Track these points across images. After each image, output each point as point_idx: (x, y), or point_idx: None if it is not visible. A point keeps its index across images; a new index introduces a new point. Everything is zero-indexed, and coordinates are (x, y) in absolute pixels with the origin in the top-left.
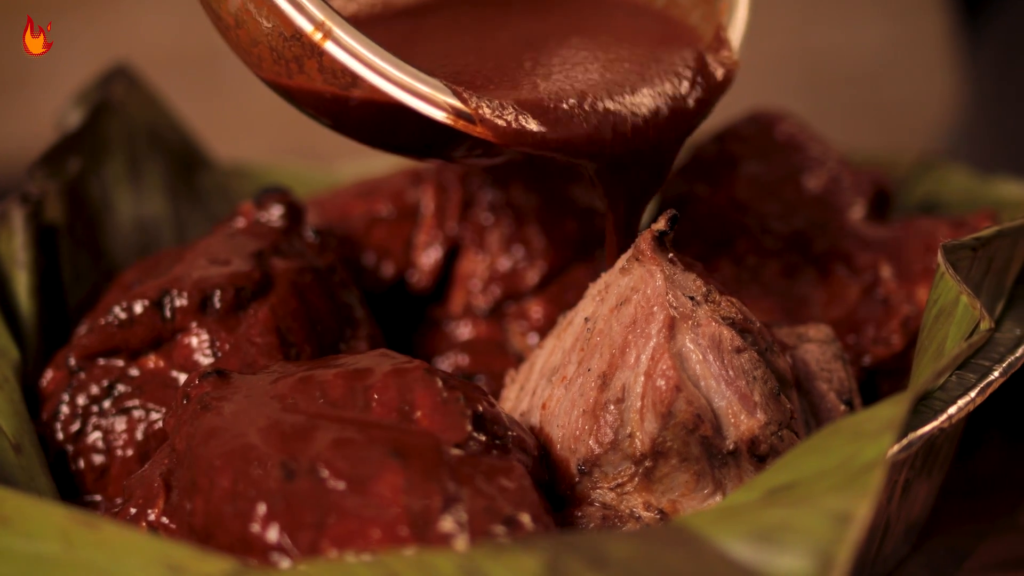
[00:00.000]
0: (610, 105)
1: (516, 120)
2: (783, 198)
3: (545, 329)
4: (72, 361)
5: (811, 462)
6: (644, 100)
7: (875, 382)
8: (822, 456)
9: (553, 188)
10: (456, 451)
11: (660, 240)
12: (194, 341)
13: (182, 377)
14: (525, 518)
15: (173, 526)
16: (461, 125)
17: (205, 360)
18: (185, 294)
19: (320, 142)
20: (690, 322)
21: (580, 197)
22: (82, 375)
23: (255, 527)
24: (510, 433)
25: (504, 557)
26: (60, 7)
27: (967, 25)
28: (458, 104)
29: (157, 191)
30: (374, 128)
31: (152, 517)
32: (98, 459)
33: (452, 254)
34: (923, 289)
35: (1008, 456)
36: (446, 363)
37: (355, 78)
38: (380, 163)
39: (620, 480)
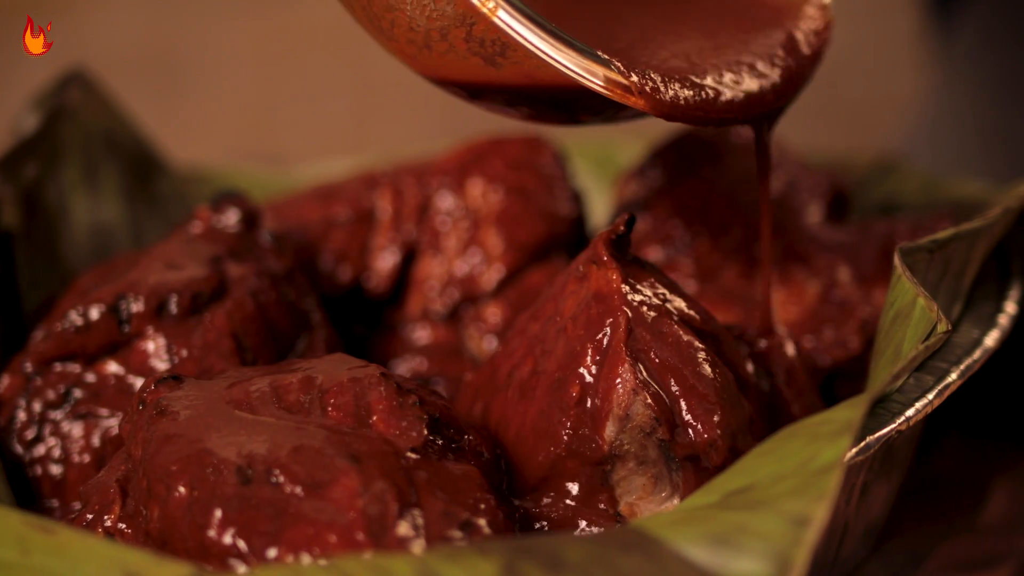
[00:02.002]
0: (743, 76)
1: (673, 92)
2: (741, 201)
3: (503, 332)
4: (28, 367)
5: (768, 465)
6: (769, 70)
7: (833, 385)
8: (779, 459)
9: (511, 192)
10: (412, 455)
11: (617, 243)
12: (150, 346)
13: (139, 382)
14: (482, 522)
15: (130, 532)
16: (618, 96)
17: (161, 365)
18: (141, 299)
19: (278, 144)
20: (648, 324)
21: (538, 200)
22: (38, 381)
23: (211, 532)
24: (467, 437)
25: (461, 561)
26: (15, 10)
27: (935, 23)
28: (616, 76)
29: (114, 196)
30: (511, 96)
31: (108, 523)
32: (55, 465)
33: (409, 258)
34: (881, 291)
35: (967, 457)
36: (403, 367)
37: (505, 48)
38: (338, 167)
39: (577, 483)
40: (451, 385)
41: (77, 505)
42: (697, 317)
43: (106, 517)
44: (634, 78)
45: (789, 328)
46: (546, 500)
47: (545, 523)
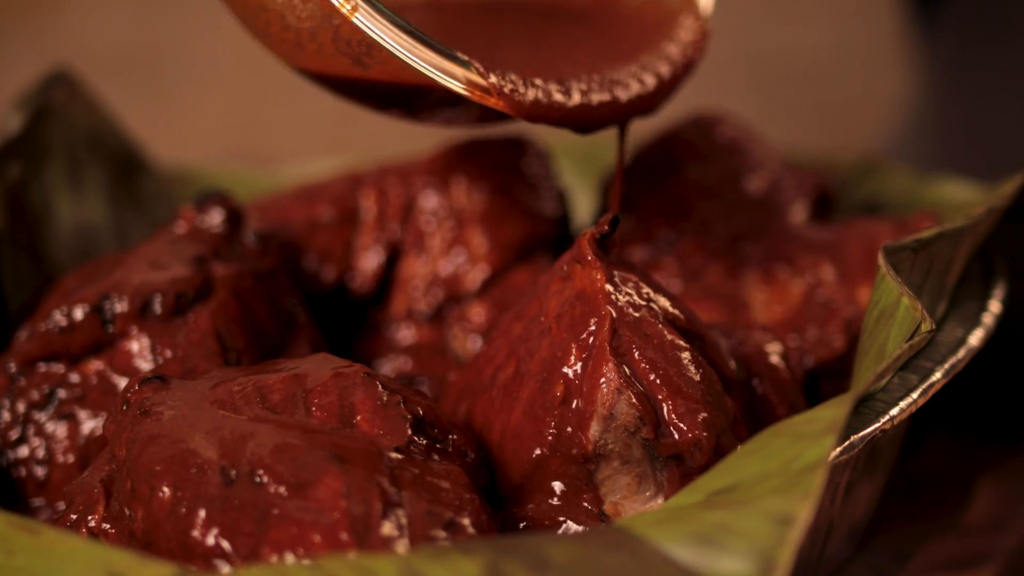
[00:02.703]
0: (612, 84)
1: (533, 93)
2: (725, 200)
3: (487, 332)
4: (12, 367)
5: (753, 464)
6: (636, 77)
7: (817, 384)
8: (764, 458)
9: (495, 191)
10: (396, 455)
11: (601, 242)
12: (135, 346)
13: (123, 382)
14: (466, 521)
15: (114, 532)
16: (477, 96)
17: (146, 365)
18: (126, 299)
19: (263, 144)
20: (632, 324)
21: (523, 200)
22: (22, 381)
23: (196, 533)
24: (451, 436)
25: (445, 561)
26: (1, 11)
27: (918, 21)
28: (475, 78)
29: (98, 196)
30: (383, 96)
31: (92, 523)
32: (39, 465)
33: (393, 258)
34: (865, 291)
35: (951, 456)
36: (387, 367)
37: (371, 48)
38: (321, 166)
39: (561, 483)
40: (435, 385)
41: (61, 505)
42: (681, 316)
43: (90, 517)
44: (493, 79)
45: (773, 327)
46: (530, 500)
47: (529, 523)
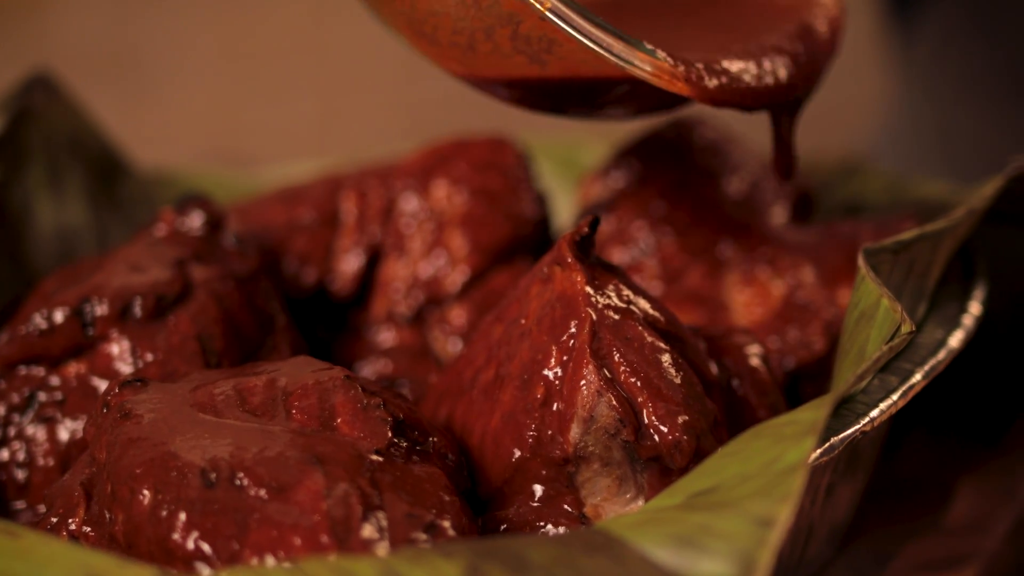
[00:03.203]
0: (776, 62)
1: (716, 79)
2: (705, 202)
3: (467, 334)
4: None
5: (733, 466)
6: (797, 55)
7: (798, 385)
8: (744, 460)
9: (475, 194)
10: (377, 458)
11: (581, 244)
12: (115, 349)
13: (103, 385)
14: (446, 524)
15: (94, 535)
16: (665, 82)
17: (126, 368)
18: (106, 302)
19: (243, 146)
20: (612, 326)
21: (503, 202)
22: (2, 384)
23: (176, 536)
24: (431, 439)
25: (425, 563)
26: None
27: (896, 25)
28: (663, 64)
29: (78, 199)
30: (555, 95)
31: (73, 527)
32: (20, 468)
33: (374, 260)
34: (845, 292)
35: (932, 457)
36: (368, 369)
37: (551, 44)
38: (302, 169)
39: (542, 485)
40: (416, 387)
41: (42, 509)
42: (662, 319)
43: (70, 520)
44: (680, 67)
45: (754, 329)
46: (511, 502)
47: (510, 525)
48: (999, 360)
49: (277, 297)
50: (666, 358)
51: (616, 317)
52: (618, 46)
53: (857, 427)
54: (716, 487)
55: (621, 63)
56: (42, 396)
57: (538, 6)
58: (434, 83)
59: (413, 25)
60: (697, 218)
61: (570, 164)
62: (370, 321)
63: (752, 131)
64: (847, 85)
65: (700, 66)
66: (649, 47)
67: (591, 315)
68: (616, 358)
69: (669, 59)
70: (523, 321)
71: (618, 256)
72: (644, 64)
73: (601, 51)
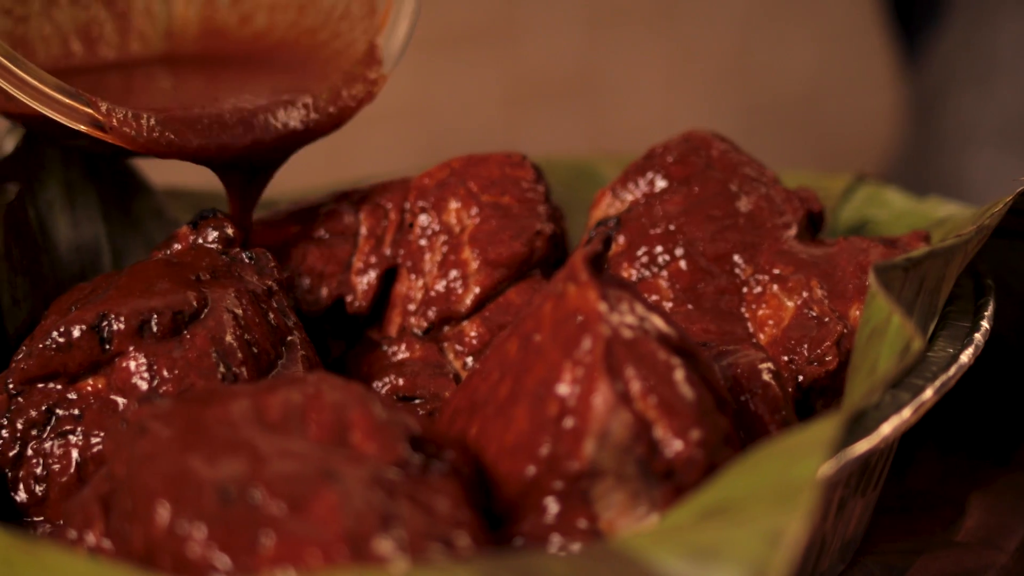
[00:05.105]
0: (226, 126)
1: (145, 129)
2: (716, 218)
3: (481, 350)
4: (11, 386)
5: (746, 481)
6: (266, 122)
7: (810, 401)
8: (757, 475)
9: (489, 210)
10: (393, 472)
11: (595, 261)
12: (132, 365)
13: (121, 401)
14: (462, 538)
15: (113, 549)
16: (97, 133)
17: (143, 384)
18: (123, 318)
19: None
20: (625, 342)
21: (517, 219)
22: (21, 400)
23: (194, 550)
24: (447, 454)
25: None
26: None
27: (905, 47)
28: (92, 112)
29: (94, 216)
30: (52, 132)
31: (92, 540)
32: (38, 483)
33: (388, 276)
34: (856, 308)
35: (942, 473)
36: (383, 385)
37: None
38: (316, 186)
39: (556, 500)
40: (431, 403)
41: (60, 523)
42: (674, 335)
43: (89, 534)
44: (115, 117)
45: (765, 345)
46: (525, 518)
47: (524, 540)
48: (1009, 376)
49: (292, 313)
50: (679, 374)
51: (629, 334)
52: (48, 93)
53: (868, 443)
54: (729, 501)
55: (47, 110)
56: (60, 411)
57: None
58: (446, 105)
59: None
60: (708, 234)
61: (584, 181)
62: (385, 337)
63: (764, 150)
64: (858, 104)
65: (128, 113)
66: (71, 89)
67: (605, 331)
68: (629, 374)
69: (94, 103)
70: (537, 337)
71: (629, 272)
72: (66, 109)
73: (25, 97)
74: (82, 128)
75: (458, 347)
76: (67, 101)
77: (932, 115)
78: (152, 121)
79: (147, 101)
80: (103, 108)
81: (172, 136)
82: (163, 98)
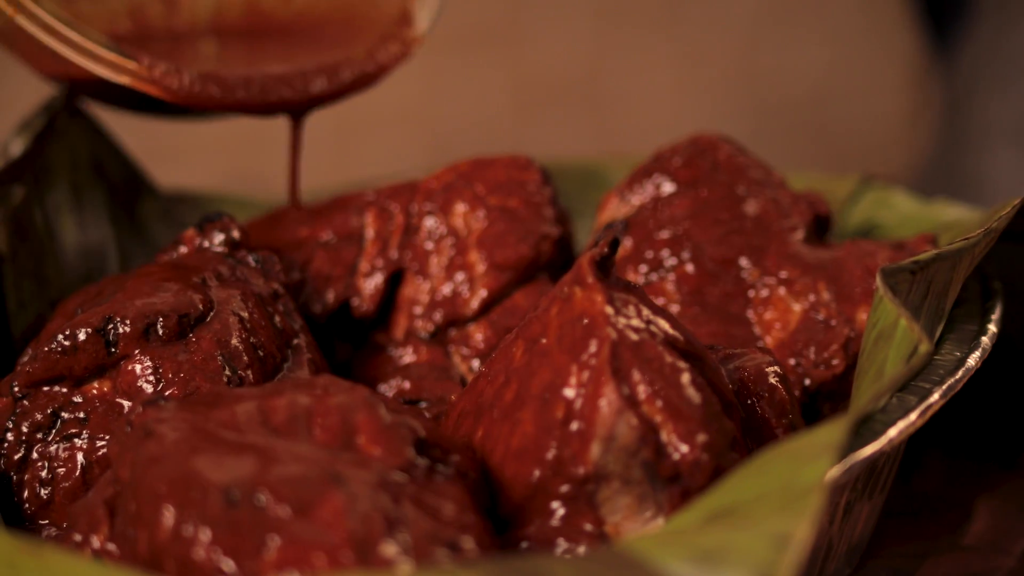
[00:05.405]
0: (268, 81)
1: (188, 82)
2: (723, 220)
3: (487, 353)
4: (16, 388)
5: (752, 484)
6: (306, 78)
7: (817, 404)
8: (763, 478)
9: (496, 213)
10: (399, 476)
11: (601, 264)
12: (137, 368)
13: (126, 404)
14: (468, 542)
15: (118, 553)
16: (141, 86)
17: (149, 387)
18: (128, 321)
19: (263, 169)
20: (632, 346)
21: (524, 221)
22: (26, 402)
23: (199, 554)
24: (452, 457)
25: None
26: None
27: (934, 49)
28: (135, 67)
29: (100, 219)
30: (94, 90)
31: (97, 544)
32: (43, 486)
33: (395, 279)
34: (863, 312)
35: (949, 477)
36: (389, 388)
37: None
38: (322, 191)
39: (562, 504)
40: (437, 406)
41: (65, 526)
42: (680, 338)
43: (94, 538)
44: (145, 65)
45: (772, 348)
46: (531, 521)
47: (530, 544)
48: (1017, 380)
49: (298, 316)
50: (685, 377)
51: (636, 337)
52: (85, 44)
53: (875, 446)
54: (735, 505)
55: (80, 58)
56: (65, 415)
57: (7, 11)
58: (453, 107)
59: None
60: (715, 237)
61: (591, 183)
62: (391, 340)
63: (771, 152)
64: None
65: (169, 66)
66: (112, 44)
67: (611, 335)
68: (636, 377)
69: (133, 56)
70: (543, 341)
71: (636, 275)
72: (109, 61)
73: (62, 48)
74: (125, 81)
75: (464, 350)
76: (111, 56)
77: (959, 116)
78: (194, 75)
79: (190, 61)
80: (145, 62)
81: (215, 88)
82: (206, 61)
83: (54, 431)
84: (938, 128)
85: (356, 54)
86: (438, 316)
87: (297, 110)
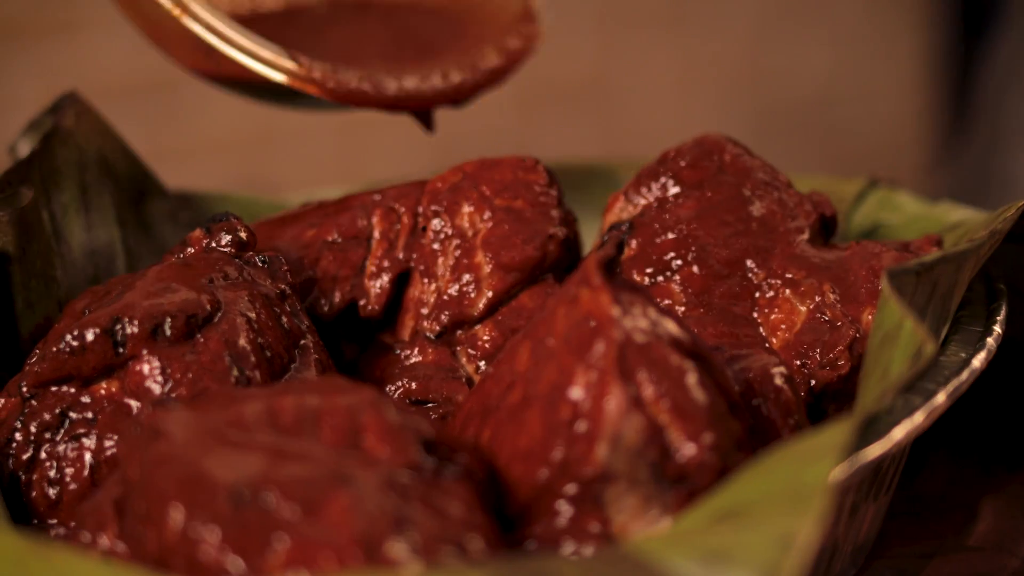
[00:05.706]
0: (413, 79)
1: (346, 82)
2: (729, 222)
3: (494, 354)
4: (24, 389)
5: (758, 485)
6: (437, 77)
7: (822, 405)
8: (769, 479)
9: (502, 214)
10: (406, 476)
11: (607, 265)
12: (145, 368)
13: (134, 404)
14: (475, 542)
15: (126, 552)
16: (298, 85)
17: (157, 387)
18: (136, 322)
19: (270, 173)
20: (638, 346)
21: (530, 223)
22: (34, 403)
23: (207, 553)
24: (460, 457)
25: None
26: (13, 35)
27: (964, 53)
28: (294, 67)
29: (108, 220)
30: (241, 85)
31: (105, 543)
32: (51, 486)
33: (401, 280)
34: (869, 313)
35: (955, 477)
36: (396, 389)
37: (210, 48)
38: (329, 195)
39: (568, 504)
40: (444, 407)
41: (75, 526)
42: (686, 339)
43: (103, 537)
44: (307, 68)
45: (778, 349)
46: (538, 521)
47: (537, 544)
48: (1022, 381)
49: (306, 317)
50: (691, 378)
51: (642, 338)
52: (249, 47)
53: (881, 447)
54: (741, 505)
55: (246, 60)
56: (73, 415)
57: (174, 12)
58: (458, 114)
59: (152, 27)
60: (721, 238)
61: (597, 184)
62: (398, 341)
63: (780, 151)
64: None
65: (327, 68)
66: (276, 47)
67: (617, 336)
68: (642, 378)
69: (299, 60)
70: (550, 341)
71: (642, 276)
72: (273, 63)
73: (227, 51)
74: (282, 80)
75: (471, 351)
76: (269, 56)
77: (985, 119)
78: (354, 75)
79: (335, 54)
80: (304, 62)
81: (368, 86)
82: (348, 51)
83: (62, 431)
84: (958, 130)
85: (486, 50)
86: (444, 317)
87: (450, 105)
